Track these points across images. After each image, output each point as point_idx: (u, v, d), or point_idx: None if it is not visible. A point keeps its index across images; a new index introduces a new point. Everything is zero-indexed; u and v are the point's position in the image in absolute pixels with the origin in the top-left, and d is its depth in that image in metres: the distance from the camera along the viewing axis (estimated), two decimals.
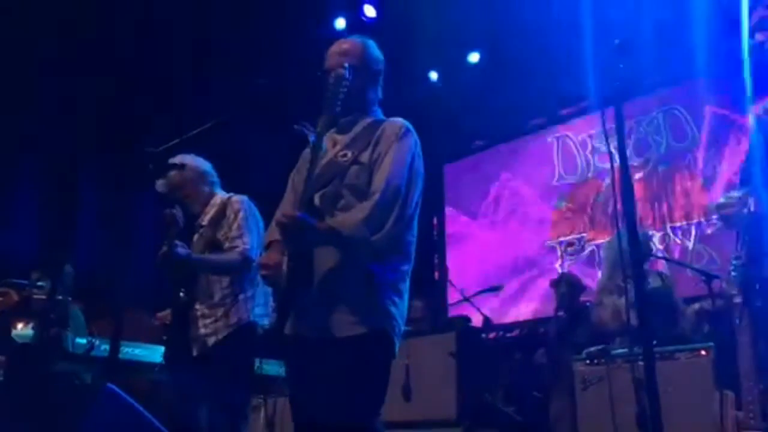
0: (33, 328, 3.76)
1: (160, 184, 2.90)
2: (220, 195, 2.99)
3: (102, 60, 5.80)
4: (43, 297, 3.83)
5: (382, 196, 1.92)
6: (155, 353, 3.79)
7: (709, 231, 5.34)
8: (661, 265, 4.73)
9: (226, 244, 2.76)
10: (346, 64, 2.03)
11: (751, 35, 2.20)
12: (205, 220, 2.90)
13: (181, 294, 2.72)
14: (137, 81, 5.90)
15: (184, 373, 2.73)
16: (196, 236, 2.91)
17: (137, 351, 3.74)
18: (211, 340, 2.67)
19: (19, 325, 3.87)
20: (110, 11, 5.63)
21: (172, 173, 2.86)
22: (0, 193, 5.95)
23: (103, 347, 3.63)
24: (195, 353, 2.68)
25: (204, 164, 3.05)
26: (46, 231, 5.85)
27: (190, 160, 2.99)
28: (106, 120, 5.98)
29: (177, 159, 2.89)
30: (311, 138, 1.99)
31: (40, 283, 4.01)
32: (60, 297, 3.90)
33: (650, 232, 5.37)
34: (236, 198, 2.91)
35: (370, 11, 6.48)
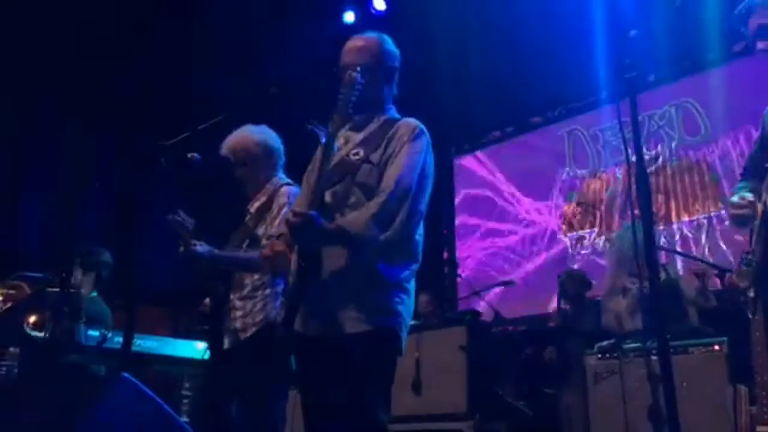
0: (48, 321, 3.78)
1: (227, 150, 2.77)
2: (277, 180, 2.82)
3: (112, 55, 5.82)
4: (56, 290, 3.84)
5: (390, 194, 1.93)
6: (167, 346, 3.80)
7: (720, 225, 5.31)
8: (664, 258, 4.73)
9: (263, 241, 2.64)
10: (359, 68, 2.03)
11: (753, 44, 2.15)
12: (254, 207, 2.78)
13: (222, 289, 2.67)
14: (148, 74, 5.92)
15: (216, 365, 2.69)
16: (246, 219, 2.79)
17: (149, 343, 3.75)
18: (242, 336, 2.61)
19: (32, 318, 3.89)
20: (118, 4, 5.65)
21: (238, 138, 2.76)
22: (11, 189, 5.99)
23: (116, 339, 3.65)
24: (226, 346, 2.64)
25: (274, 140, 2.86)
26: (57, 225, 5.89)
27: (260, 134, 2.83)
28: (117, 113, 6.01)
29: (248, 129, 2.79)
30: (322, 138, 1.99)
31: (51, 276, 4.02)
32: (72, 289, 3.91)
33: (655, 227, 5.35)
34: (284, 190, 2.73)
35: (379, 4, 6.47)
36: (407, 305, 2.00)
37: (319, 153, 2.12)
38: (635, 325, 3.88)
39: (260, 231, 2.71)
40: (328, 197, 1.98)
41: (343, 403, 1.86)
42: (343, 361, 1.88)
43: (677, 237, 5.59)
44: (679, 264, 5.13)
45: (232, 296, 2.68)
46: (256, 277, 2.68)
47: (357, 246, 1.90)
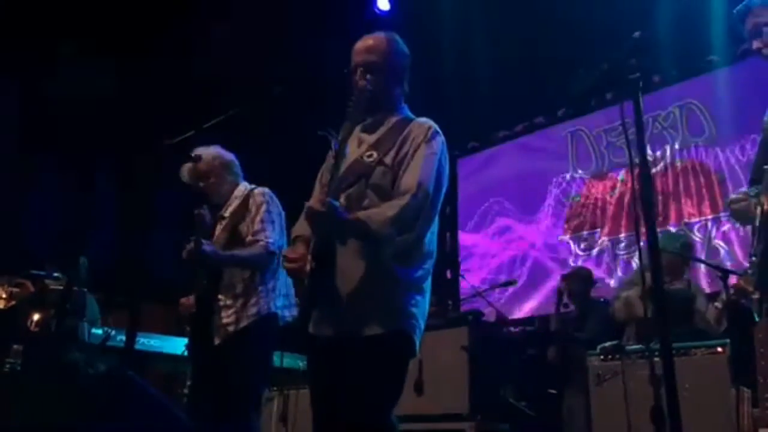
0: (51, 319, 3.79)
1: (184, 174, 2.91)
2: (243, 186, 2.99)
3: (118, 52, 5.83)
4: (60, 288, 3.86)
5: (413, 198, 1.92)
6: (170, 344, 3.82)
7: (725, 227, 5.29)
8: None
9: (249, 238, 2.76)
10: (369, 75, 2.04)
11: (749, 43, 2.18)
12: (228, 211, 2.90)
13: (204, 282, 2.72)
14: (154, 73, 5.93)
15: (206, 361, 2.74)
16: (218, 228, 2.90)
17: (152, 342, 3.76)
18: (231, 329, 2.68)
19: (35, 316, 3.91)
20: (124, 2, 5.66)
21: (197, 163, 2.88)
22: (18, 187, 6.01)
23: (119, 338, 3.66)
24: (216, 342, 2.69)
25: (228, 155, 3.05)
26: (63, 223, 5.90)
27: (215, 150, 2.99)
28: (121, 111, 6.01)
29: (200, 150, 2.91)
30: (334, 145, 1.99)
31: (56, 275, 4.05)
32: (75, 288, 3.93)
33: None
34: (259, 190, 2.90)
35: (383, 4, 6.47)
36: (422, 307, 1.99)
37: (330, 157, 2.11)
38: (643, 311, 3.87)
39: (243, 229, 2.79)
40: (342, 200, 1.97)
41: (354, 405, 1.87)
42: (356, 363, 1.89)
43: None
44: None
45: (221, 296, 2.73)
46: (246, 276, 2.74)
47: (373, 242, 1.89)
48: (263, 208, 2.80)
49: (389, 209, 1.90)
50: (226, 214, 2.89)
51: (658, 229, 5.65)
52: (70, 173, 6.19)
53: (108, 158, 6.27)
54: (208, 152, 2.97)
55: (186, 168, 2.93)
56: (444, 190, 2.05)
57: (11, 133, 5.75)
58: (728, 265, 4.76)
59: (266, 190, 2.91)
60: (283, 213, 2.88)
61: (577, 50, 5.64)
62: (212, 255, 2.67)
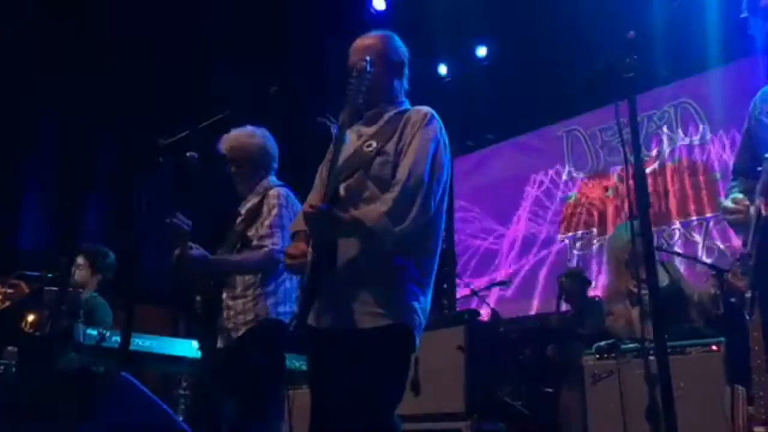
0: (46, 320, 3.77)
1: (223, 143, 2.80)
2: (268, 182, 2.82)
3: (114, 51, 5.82)
4: (54, 288, 3.84)
5: (403, 186, 1.91)
6: (165, 345, 3.80)
7: (719, 226, 5.31)
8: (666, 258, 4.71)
9: (254, 242, 2.65)
10: (368, 58, 2.03)
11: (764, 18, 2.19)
12: (245, 208, 2.78)
13: (211, 282, 2.67)
14: (150, 72, 5.92)
15: (210, 363, 2.69)
16: (237, 221, 2.79)
17: (148, 342, 3.74)
18: (234, 335, 2.61)
19: (30, 317, 3.89)
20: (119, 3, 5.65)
21: (237, 137, 2.79)
22: (14, 188, 5.99)
23: (114, 339, 3.64)
24: (220, 345, 2.64)
25: (271, 143, 2.87)
26: (57, 223, 5.88)
27: (238, 134, 2.84)
28: (117, 111, 6.01)
29: (242, 129, 2.81)
30: (334, 130, 1.99)
31: (50, 275, 4.03)
32: (71, 288, 3.91)
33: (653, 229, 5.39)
34: (273, 192, 2.75)
35: (379, 4, 6.47)
36: (423, 303, 1.98)
37: (330, 151, 2.11)
38: (647, 332, 3.85)
39: (251, 233, 2.70)
40: (342, 191, 1.96)
41: (354, 404, 1.85)
42: (356, 356, 1.87)
43: (676, 237, 5.60)
44: (682, 265, 5.12)
45: (224, 295, 2.69)
46: (247, 276, 2.68)
47: (372, 239, 1.88)
48: (275, 211, 2.67)
49: (383, 204, 1.89)
50: (242, 212, 2.79)
51: (619, 222, 5.66)
52: (64, 173, 6.17)
53: (102, 157, 6.25)
54: (251, 137, 2.83)
55: (228, 145, 2.81)
56: (444, 176, 2.02)
57: (7, 133, 5.73)
58: (723, 264, 4.77)
59: (282, 191, 2.76)
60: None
61: (573, 50, 5.65)
62: (201, 260, 2.58)
